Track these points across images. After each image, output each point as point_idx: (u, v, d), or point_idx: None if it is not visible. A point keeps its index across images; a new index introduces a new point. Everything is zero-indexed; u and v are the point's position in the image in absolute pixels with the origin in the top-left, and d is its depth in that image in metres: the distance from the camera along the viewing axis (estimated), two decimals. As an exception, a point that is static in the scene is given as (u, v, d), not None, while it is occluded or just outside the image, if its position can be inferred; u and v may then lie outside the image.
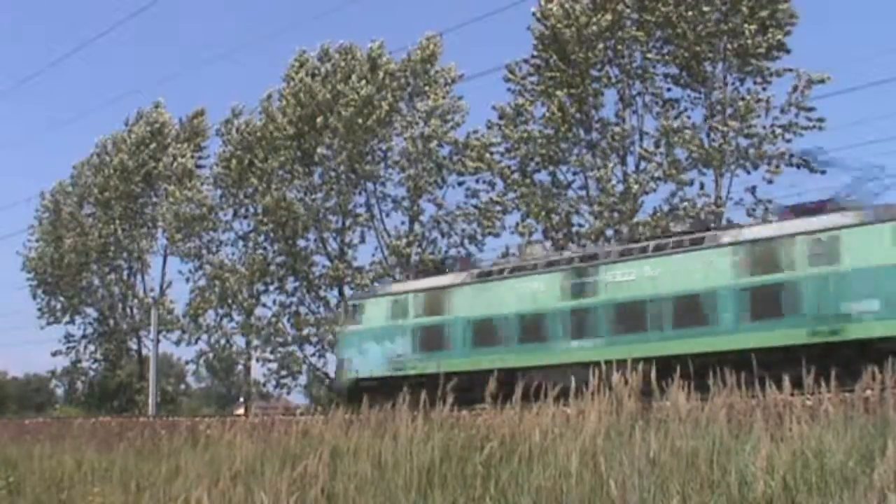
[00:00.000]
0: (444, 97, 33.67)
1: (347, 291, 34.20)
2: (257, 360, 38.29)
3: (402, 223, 34.89)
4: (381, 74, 34.04)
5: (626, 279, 19.20)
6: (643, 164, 28.62)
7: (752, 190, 27.41)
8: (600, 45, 28.54)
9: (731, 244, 17.90)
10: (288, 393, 39.70)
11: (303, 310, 36.89)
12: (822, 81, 26.62)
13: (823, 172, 26.53)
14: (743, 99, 27.28)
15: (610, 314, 19.23)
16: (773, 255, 17.17)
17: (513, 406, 8.92)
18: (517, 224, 30.22)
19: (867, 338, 15.28)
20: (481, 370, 19.10)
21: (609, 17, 27.92)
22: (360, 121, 33.23)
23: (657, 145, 28.35)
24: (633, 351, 16.26)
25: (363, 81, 33.73)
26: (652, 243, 19.80)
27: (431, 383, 19.57)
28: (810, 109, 26.69)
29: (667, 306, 18.32)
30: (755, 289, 17.19)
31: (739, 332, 17.09)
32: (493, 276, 22.13)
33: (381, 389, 21.35)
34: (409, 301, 23.40)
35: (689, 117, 28.37)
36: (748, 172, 27.53)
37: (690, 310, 17.95)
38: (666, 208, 27.92)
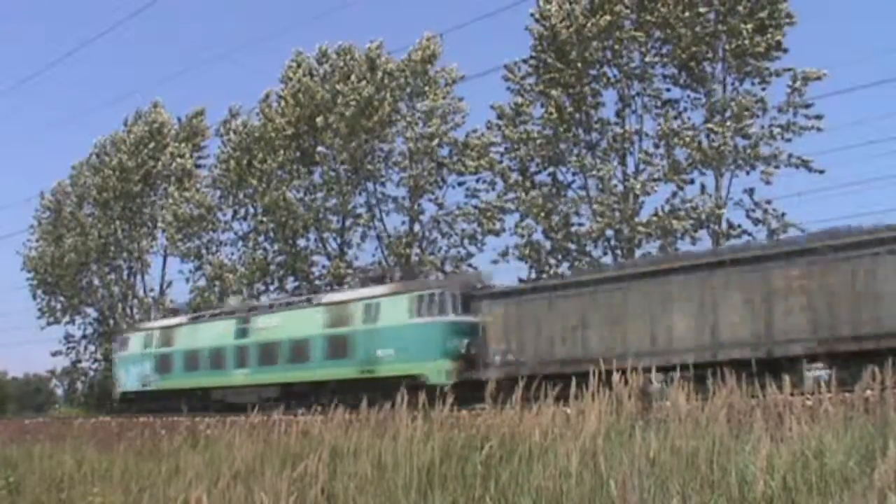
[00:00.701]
0: (443, 98, 33.60)
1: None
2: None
3: (403, 223, 34.91)
4: (379, 74, 33.97)
5: (267, 326, 26.59)
6: (643, 166, 28.60)
7: (751, 192, 27.42)
8: (597, 45, 28.48)
9: (322, 304, 25.18)
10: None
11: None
12: (818, 78, 26.57)
13: (822, 172, 26.59)
14: (739, 98, 27.22)
15: (256, 351, 26.63)
16: (343, 313, 24.14)
17: (513, 406, 8.95)
18: (517, 224, 30.22)
19: (388, 375, 21.38)
20: (189, 388, 28.93)
21: (607, 17, 27.88)
22: (362, 121, 33.18)
23: (657, 146, 28.33)
24: (268, 378, 25.80)
25: (363, 82, 33.67)
26: (283, 301, 28.23)
27: (163, 396, 30.24)
28: (808, 106, 26.63)
29: (287, 347, 25.44)
30: (332, 337, 24.16)
31: (323, 367, 24.13)
32: (199, 319, 30.44)
33: (137, 400, 31.87)
34: (154, 336, 31.82)
35: (688, 118, 28.38)
36: (747, 173, 27.55)
37: (299, 350, 25.02)
38: (667, 209, 27.92)
